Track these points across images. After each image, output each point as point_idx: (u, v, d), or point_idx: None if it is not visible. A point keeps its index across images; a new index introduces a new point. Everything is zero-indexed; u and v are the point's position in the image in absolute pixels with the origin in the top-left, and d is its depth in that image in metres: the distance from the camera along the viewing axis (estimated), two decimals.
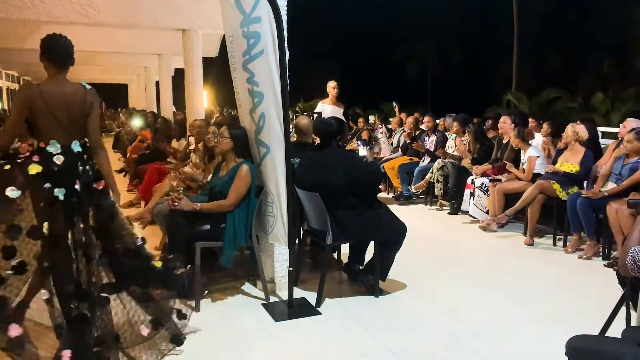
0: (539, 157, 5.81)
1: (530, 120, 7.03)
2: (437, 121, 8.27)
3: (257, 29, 3.50)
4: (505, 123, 6.36)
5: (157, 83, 14.02)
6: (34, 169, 2.67)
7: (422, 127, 8.07)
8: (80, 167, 2.82)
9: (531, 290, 4.07)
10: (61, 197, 2.69)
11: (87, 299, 2.70)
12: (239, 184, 3.67)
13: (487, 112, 16.17)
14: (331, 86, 7.20)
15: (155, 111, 13.14)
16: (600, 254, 4.87)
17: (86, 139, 2.89)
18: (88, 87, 2.94)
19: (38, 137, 2.80)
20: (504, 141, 6.40)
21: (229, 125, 4.08)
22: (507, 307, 3.74)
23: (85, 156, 2.86)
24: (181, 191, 4.13)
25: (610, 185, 4.93)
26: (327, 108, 7.14)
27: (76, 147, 2.82)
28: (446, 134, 7.72)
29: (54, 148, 2.74)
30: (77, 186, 2.75)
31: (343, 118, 6.70)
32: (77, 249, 2.75)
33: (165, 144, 7.77)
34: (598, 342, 2.03)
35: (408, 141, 8.09)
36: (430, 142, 7.58)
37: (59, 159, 2.73)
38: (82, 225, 2.78)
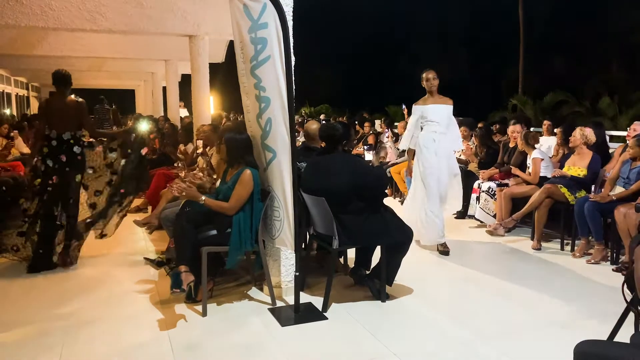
0: (543, 159, 5.80)
1: (545, 122, 7.02)
2: None
3: (264, 35, 3.52)
4: (520, 133, 6.18)
5: (164, 89, 14.11)
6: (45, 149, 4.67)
7: None
8: (65, 146, 4.63)
9: (539, 295, 4.05)
10: (50, 164, 4.62)
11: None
12: (240, 189, 3.68)
13: (493, 116, 16.11)
14: (425, 76, 5.12)
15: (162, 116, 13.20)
16: (609, 258, 4.84)
17: (77, 131, 4.71)
18: (79, 99, 4.80)
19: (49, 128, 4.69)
20: (511, 145, 6.39)
21: (228, 131, 4.09)
22: (514, 311, 3.73)
23: (72, 140, 4.66)
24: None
25: (619, 189, 4.91)
26: (431, 110, 5.06)
27: (66, 136, 4.63)
28: None
29: (52, 135, 4.63)
30: (62, 157, 4.62)
31: (451, 116, 5.14)
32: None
33: (172, 148, 7.81)
34: (606, 347, 2.02)
35: None
36: None
37: (54, 142, 4.62)
38: (55, 178, 4.63)
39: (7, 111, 17.54)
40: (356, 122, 11.01)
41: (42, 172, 4.60)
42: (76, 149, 4.67)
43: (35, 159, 4.73)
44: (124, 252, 5.17)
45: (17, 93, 19.89)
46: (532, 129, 6.98)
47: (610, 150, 6.21)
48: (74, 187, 4.69)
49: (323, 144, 4.20)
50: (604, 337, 2.48)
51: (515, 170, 5.98)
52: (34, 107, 21.29)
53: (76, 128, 4.69)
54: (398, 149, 8.76)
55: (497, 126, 7.58)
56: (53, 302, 3.88)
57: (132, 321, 3.55)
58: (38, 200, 4.61)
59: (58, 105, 4.69)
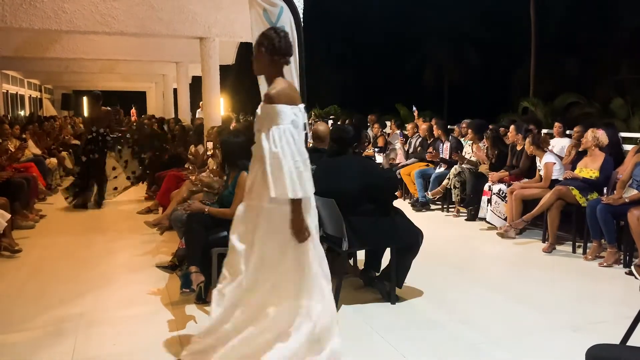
0: (555, 163, 5.75)
1: (556, 124, 6.97)
2: (448, 127, 8.20)
3: None
4: (511, 133, 6.42)
5: (175, 90, 14.19)
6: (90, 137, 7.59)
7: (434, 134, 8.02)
8: (101, 137, 7.52)
9: (550, 298, 4.02)
10: (93, 147, 7.50)
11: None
12: (239, 192, 3.71)
13: (502, 118, 15.99)
14: None
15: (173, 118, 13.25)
16: (621, 261, 4.79)
17: (107, 128, 7.60)
18: (109, 109, 7.94)
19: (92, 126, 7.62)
20: (518, 148, 6.37)
21: (223, 135, 4.12)
22: (525, 315, 3.70)
23: (105, 133, 7.54)
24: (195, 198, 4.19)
25: (631, 191, 4.85)
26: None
27: (102, 130, 7.49)
28: (462, 140, 7.68)
29: (94, 130, 7.47)
30: (100, 143, 7.49)
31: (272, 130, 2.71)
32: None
33: (183, 150, 7.85)
34: (619, 351, 2.00)
35: (429, 141, 8.02)
36: (445, 149, 7.54)
37: (94, 134, 7.48)
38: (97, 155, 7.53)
39: (22, 113, 17.74)
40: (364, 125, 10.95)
41: (90, 150, 7.41)
42: (108, 138, 7.53)
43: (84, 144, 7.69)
44: (135, 253, 5.20)
45: (31, 95, 20.10)
46: (543, 131, 6.92)
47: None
48: (105, 161, 7.60)
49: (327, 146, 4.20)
50: (617, 341, 2.46)
51: (525, 185, 5.90)
52: (47, 109, 21.51)
53: (107, 126, 7.56)
54: (407, 151, 8.74)
55: (503, 130, 7.47)
56: (64, 302, 3.91)
57: (142, 321, 3.57)
58: (88, 167, 7.46)
59: (97, 112, 7.70)
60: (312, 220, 2.64)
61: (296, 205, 2.53)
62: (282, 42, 2.63)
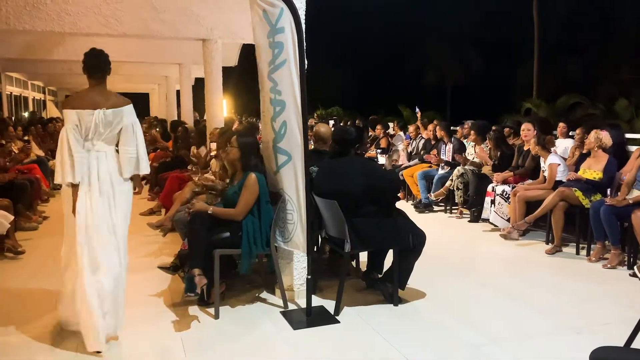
0: (560, 164, 5.73)
1: (560, 125, 6.93)
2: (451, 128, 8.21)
3: (281, 39, 3.56)
4: (530, 130, 6.29)
5: (178, 92, 14.22)
6: None
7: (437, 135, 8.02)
8: None
9: (553, 300, 4.00)
10: None
11: None
12: (246, 193, 3.71)
13: (506, 119, 15.96)
14: None
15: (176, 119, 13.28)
16: (625, 263, 4.77)
17: None
18: None
19: None
20: (525, 148, 6.34)
21: (239, 134, 4.12)
22: (528, 316, 3.68)
23: None
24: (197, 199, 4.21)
25: (635, 193, 4.83)
26: None
27: None
28: (464, 141, 7.67)
29: None
30: None
31: None
32: None
33: (186, 151, 7.86)
34: (623, 353, 1.99)
35: (433, 143, 8.02)
36: (447, 150, 7.53)
37: None
38: None
39: (25, 114, 17.81)
40: (368, 126, 10.95)
41: None
42: None
43: None
44: (138, 255, 5.20)
45: (34, 97, 20.17)
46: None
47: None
48: None
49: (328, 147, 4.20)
50: (621, 343, 2.45)
51: (529, 187, 5.87)
52: (51, 111, 21.59)
53: None
54: (410, 153, 8.74)
55: (507, 130, 7.46)
56: None
57: (145, 322, 3.57)
58: None
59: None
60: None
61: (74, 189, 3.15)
62: (89, 62, 3.32)
